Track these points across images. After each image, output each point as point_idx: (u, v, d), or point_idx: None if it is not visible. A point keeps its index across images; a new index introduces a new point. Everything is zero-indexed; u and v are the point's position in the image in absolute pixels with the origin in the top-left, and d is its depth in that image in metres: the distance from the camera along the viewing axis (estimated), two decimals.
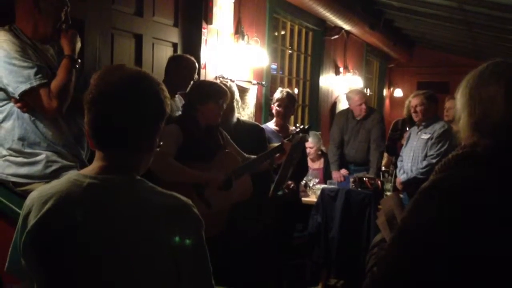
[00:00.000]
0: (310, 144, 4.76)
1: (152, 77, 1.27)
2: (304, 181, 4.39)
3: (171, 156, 2.58)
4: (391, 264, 1.11)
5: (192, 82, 3.23)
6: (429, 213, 1.08)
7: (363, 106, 5.10)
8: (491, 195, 1.05)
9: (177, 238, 1.17)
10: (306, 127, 3.32)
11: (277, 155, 2.97)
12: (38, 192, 1.25)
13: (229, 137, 2.92)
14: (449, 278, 1.03)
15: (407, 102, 4.58)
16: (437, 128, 4.15)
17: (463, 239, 1.03)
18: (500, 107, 1.08)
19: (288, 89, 3.95)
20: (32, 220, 1.20)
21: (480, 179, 1.08)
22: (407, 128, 5.00)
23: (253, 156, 2.90)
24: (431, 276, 1.05)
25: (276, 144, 3.15)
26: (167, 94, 1.28)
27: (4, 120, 2.10)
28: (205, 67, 3.95)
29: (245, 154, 2.93)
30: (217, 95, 2.74)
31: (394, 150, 5.54)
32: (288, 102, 3.79)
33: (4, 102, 2.10)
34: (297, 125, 3.35)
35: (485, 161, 1.09)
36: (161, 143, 1.34)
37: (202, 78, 3.86)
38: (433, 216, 1.07)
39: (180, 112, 3.13)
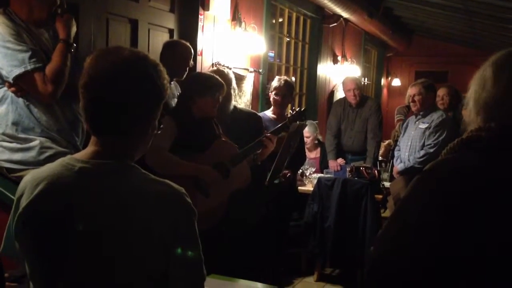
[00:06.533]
0: (307, 133, 4.75)
1: (149, 59, 1.23)
2: (300, 170, 4.38)
3: (165, 150, 2.57)
4: (386, 244, 1.11)
5: (187, 69, 3.19)
6: (423, 198, 1.08)
7: (353, 93, 5.07)
8: (491, 180, 1.03)
9: (167, 226, 1.15)
10: (302, 109, 3.19)
11: (260, 151, 2.88)
12: (31, 175, 1.25)
13: (221, 131, 2.86)
14: (442, 265, 1.02)
15: (408, 91, 4.55)
16: (435, 117, 4.14)
17: (456, 227, 1.01)
18: (494, 90, 1.09)
19: (286, 77, 3.90)
20: (24, 203, 1.21)
21: (479, 163, 1.06)
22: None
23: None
24: (423, 261, 1.04)
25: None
26: (165, 75, 1.25)
27: None
28: (201, 54, 3.91)
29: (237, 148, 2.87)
30: (214, 89, 2.70)
31: None
32: (286, 90, 3.76)
33: None
34: (293, 108, 3.27)
35: (487, 145, 1.07)
36: (162, 126, 1.31)
37: (198, 65, 3.82)
38: (426, 201, 1.06)
39: (176, 99, 3.09)
